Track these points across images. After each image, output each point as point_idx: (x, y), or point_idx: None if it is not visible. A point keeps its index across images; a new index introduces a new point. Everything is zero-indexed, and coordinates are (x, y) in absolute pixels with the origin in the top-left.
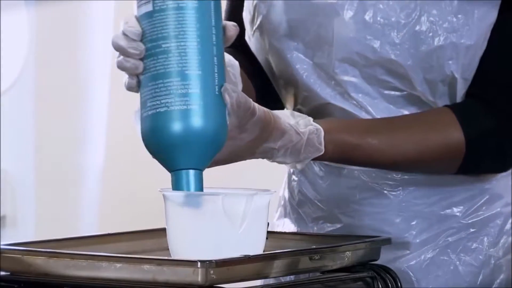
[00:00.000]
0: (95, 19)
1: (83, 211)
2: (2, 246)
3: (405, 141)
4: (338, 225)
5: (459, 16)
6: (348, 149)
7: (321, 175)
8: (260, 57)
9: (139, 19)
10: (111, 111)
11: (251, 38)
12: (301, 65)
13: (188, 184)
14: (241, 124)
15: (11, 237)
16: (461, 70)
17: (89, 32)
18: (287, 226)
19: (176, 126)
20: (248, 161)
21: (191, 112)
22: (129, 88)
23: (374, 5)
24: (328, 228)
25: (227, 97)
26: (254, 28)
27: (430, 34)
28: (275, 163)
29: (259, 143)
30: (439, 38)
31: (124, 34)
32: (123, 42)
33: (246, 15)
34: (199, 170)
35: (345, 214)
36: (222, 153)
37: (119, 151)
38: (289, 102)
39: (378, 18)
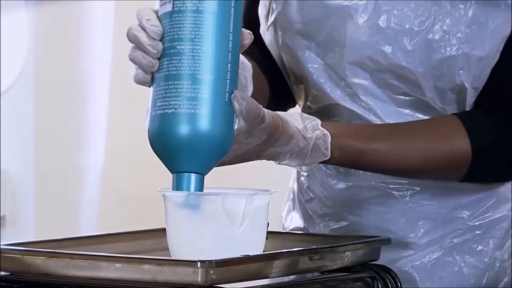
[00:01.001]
0: (95, 19)
1: (83, 211)
2: (2, 246)
3: (411, 149)
4: (344, 223)
5: (473, 27)
6: (354, 155)
7: (329, 172)
8: (273, 52)
9: (160, 18)
10: (111, 111)
11: (265, 33)
12: (312, 64)
13: (189, 187)
14: (249, 130)
15: (11, 237)
16: (472, 80)
17: (89, 32)
18: (295, 221)
19: (181, 129)
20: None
21: (198, 117)
22: (139, 82)
23: (389, 11)
24: (334, 225)
25: (236, 105)
26: (268, 23)
27: (443, 43)
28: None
29: (265, 147)
30: (451, 48)
31: (144, 30)
32: (143, 39)
33: (262, 10)
34: (201, 175)
35: (351, 213)
36: (228, 156)
37: (119, 151)
38: (300, 99)
39: (392, 24)
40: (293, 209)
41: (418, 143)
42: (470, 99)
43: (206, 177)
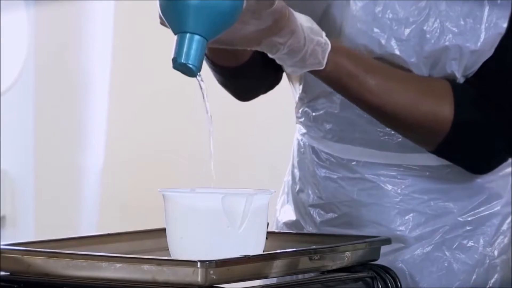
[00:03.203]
0: (95, 19)
1: (83, 211)
2: (2, 246)
3: (399, 94)
4: (335, 215)
5: (468, 20)
6: (345, 76)
7: (322, 164)
8: None
9: None
10: (111, 111)
11: None
12: None
13: (190, 48)
14: (257, 10)
15: (11, 237)
16: (463, 70)
17: (89, 32)
18: (288, 213)
19: None
20: (247, 157)
21: None
22: None
23: None
24: (325, 217)
25: None
26: None
27: (437, 34)
28: (277, 158)
29: (268, 34)
30: (445, 39)
31: None
32: None
33: None
34: (204, 39)
35: (342, 204)
36: (230, 35)
37: (119, 151)
38: (295, 86)
39: (388, 13)
40: (287, 202)
41: (408, 91)
42: None
43: (207, 177)
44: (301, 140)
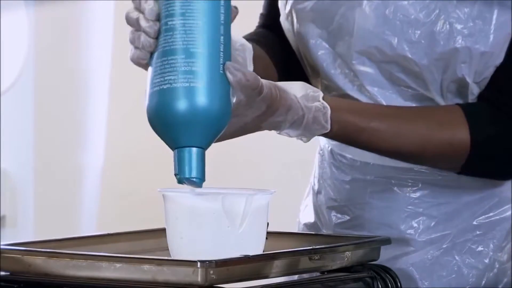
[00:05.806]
0: (95, 19)
1: (82, 211)
2: (2, 246)
3: (410, 133)
4: (348, 217)
5: (477, 21)
6: (353, 131)
7: (336, 165)
8: (292, 44)
9: None
10: (111, 111)
11: (284, 23)
12: (323, 52)
13: (190, 162)
14: (248, 102)
15: (11, 237)
16: (473, 75)
17: (89, 32)
18: (309, 215)
19: (178, 103)
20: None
21: (193, 90)
22: (136, 59)
23: (396, 1)
24: (339, 219)
25: (229, 76)
26: (286, 12)
27: (447, 36)
28: (287, 159)
29: (265, 118)
30: (454, 41)
31: (141, 11)
32: (142, 22)
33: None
34: (201, 148)
35: (355, 206)
36: (229, 129)
37: (119, 151)
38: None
39: (398, 14)
40: (310, 203)
41: (418, 128)
42: (472, 95)
43: (208, 177)
44: (321, 141)
